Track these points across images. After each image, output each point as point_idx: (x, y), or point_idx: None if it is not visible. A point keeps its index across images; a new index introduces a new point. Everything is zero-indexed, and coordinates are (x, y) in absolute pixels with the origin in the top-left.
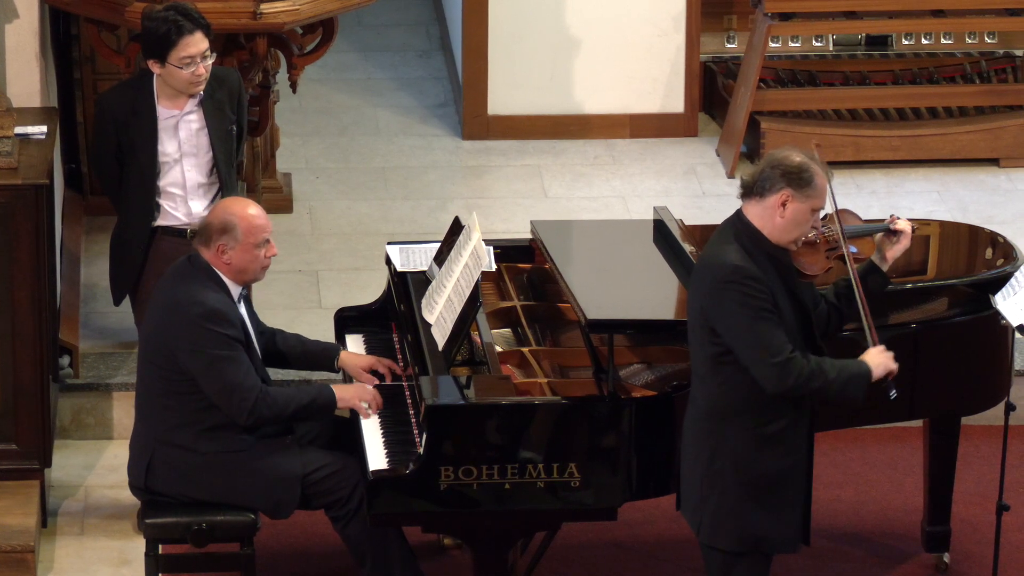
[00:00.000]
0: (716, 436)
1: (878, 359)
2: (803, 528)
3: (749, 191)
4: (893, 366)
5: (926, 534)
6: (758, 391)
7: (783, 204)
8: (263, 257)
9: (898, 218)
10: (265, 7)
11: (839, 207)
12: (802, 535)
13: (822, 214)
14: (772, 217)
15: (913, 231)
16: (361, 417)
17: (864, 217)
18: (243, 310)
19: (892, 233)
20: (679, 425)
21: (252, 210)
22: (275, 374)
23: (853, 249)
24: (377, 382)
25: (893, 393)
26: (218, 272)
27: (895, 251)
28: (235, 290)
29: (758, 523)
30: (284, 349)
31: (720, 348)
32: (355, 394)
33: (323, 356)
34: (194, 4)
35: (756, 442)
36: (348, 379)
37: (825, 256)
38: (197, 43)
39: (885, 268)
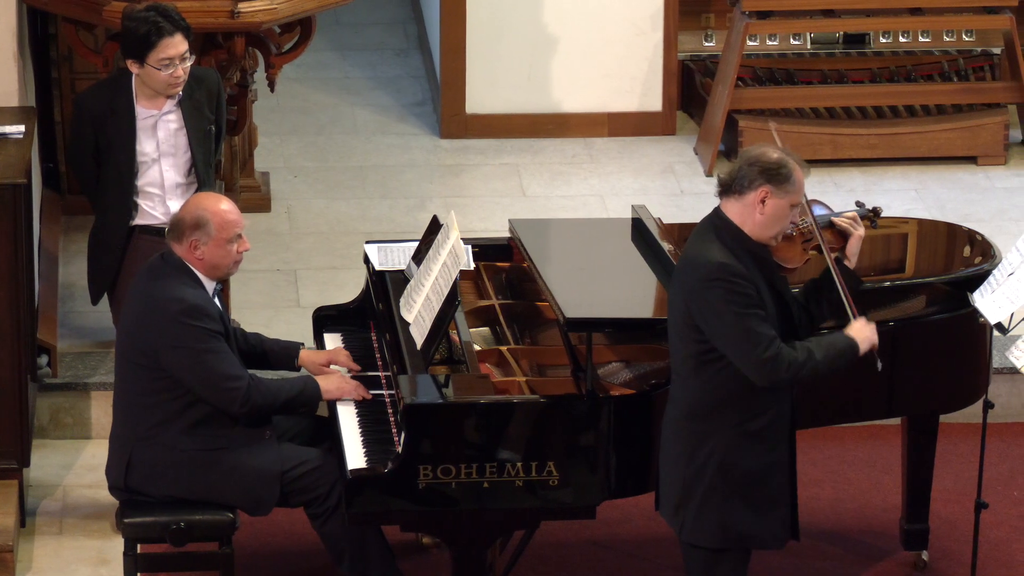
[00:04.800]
0: (698, 435)
1: (863, 333)
2: (792, 524)
3: (727, 189)
4: (875, 339)
5: (905, 532)
6: (740, 388)
7: (762, 201)
8: (235, 252)
9: (853, 211)
10: (243, 6)
11: (811, 199)
12: (791, 531)
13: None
14: (752, 214)
15: (875, 215)
16: (340, 416)
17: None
18: (217, 304)
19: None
20: (658, 424)
21: (224, 205)
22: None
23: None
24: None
25: (879, 365)
26: (192, 268)
27: (850, 247)
28: (209, 286)
29: (744, 520)
30: (245, 348)
31: (704, 346)
32: (338, 385)
33: (283, 355)
34: (173, 4)
35: (739, 439)
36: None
37: (802, 248)
38: (176, 45)
39: (851, 265)
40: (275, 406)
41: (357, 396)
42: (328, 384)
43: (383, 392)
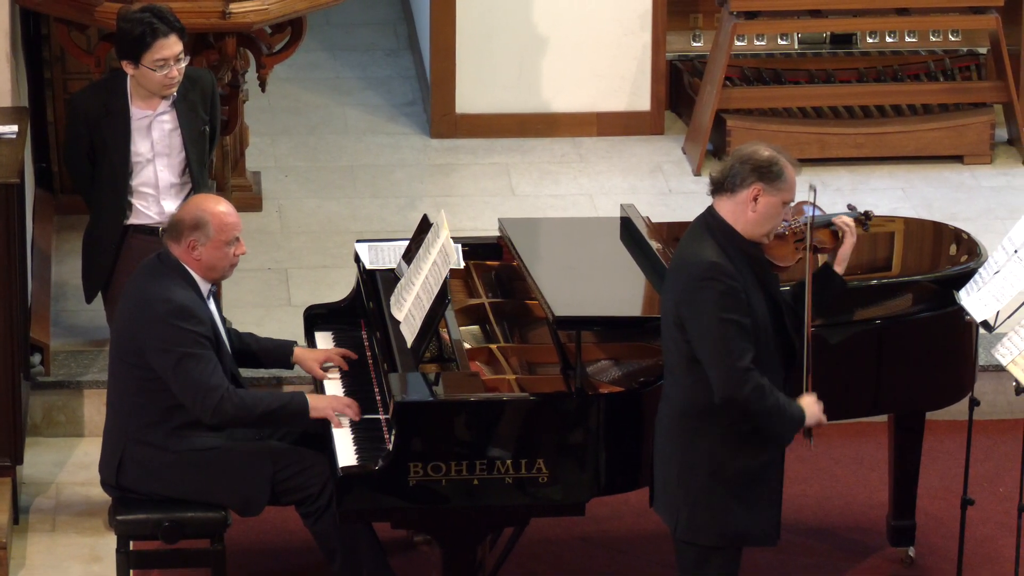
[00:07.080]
0: (692, 434)
1: (813, 408)
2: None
3: (719, 187)
4: (823, 420)
5: (891, 528)
6: None
7: (755, 199)
8: (232, 255)
9: (846, 213)
10: (234, 7)
11: (802, 200)
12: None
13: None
14: (744, 212)
15: (867, 218)
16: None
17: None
18: (212, 307)
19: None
20: (647, 421)
21: (223, 207)
22: (247, 373)
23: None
24: (327, 376)
25: (811, 441)
26: (188, 268)
27: (843, 250)
28: (204, 287)
29: (738, 519)
30: (240, 347)
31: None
32: (329, 404)
33: (278, 353)
34: (166, 4)
35: (732, 439)
36: (315, 382)
37: (794, 248)
38: (171, 46)
39: (841, 270)
40: (249, 419)
41: (352, 415)
42: (318, 401)
43: (378, 416)
